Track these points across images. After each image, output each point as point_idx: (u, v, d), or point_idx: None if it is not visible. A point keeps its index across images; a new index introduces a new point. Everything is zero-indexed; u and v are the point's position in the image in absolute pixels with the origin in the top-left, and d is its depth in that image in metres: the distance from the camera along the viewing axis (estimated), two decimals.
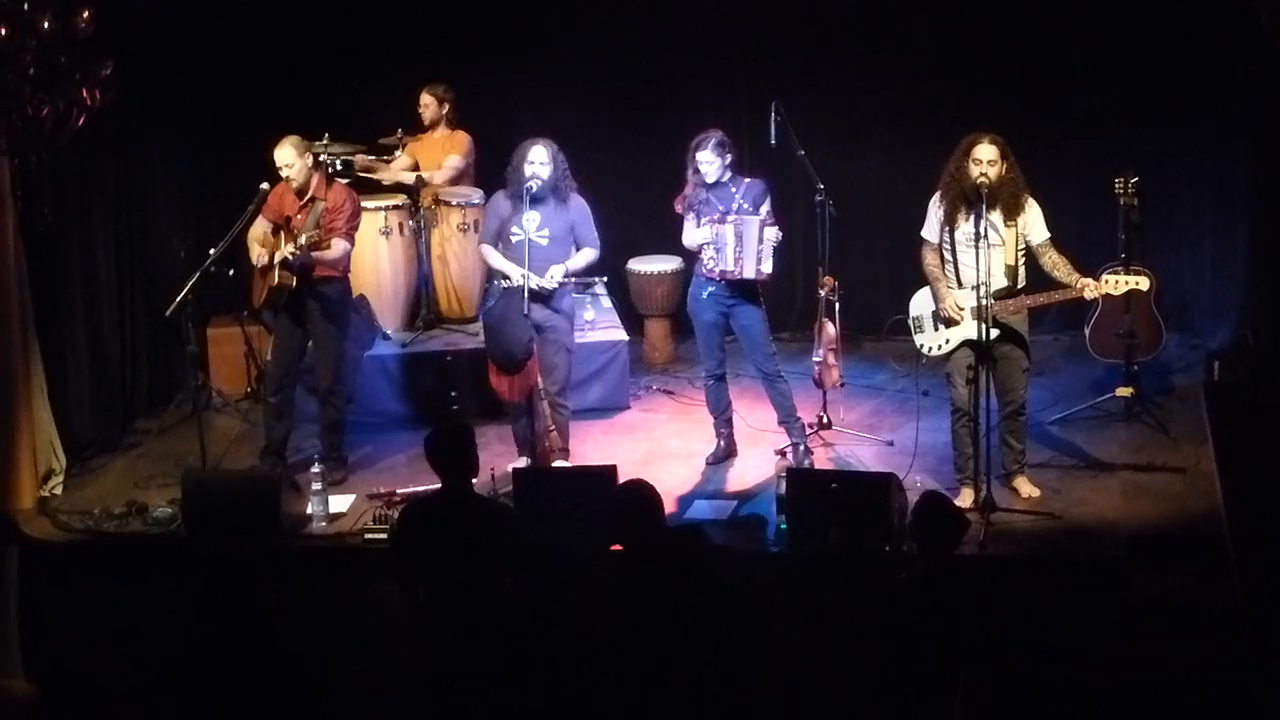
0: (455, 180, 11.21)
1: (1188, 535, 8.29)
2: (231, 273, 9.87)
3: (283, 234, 9.37)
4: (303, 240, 9.18)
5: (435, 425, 7.23)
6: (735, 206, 9.25)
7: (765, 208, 9.31)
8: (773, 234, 9.22)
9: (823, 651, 7.43)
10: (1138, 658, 7.45)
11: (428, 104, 11.24)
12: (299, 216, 9.38)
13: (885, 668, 6.36)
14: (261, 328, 9.84)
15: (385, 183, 11.28)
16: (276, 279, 9.32)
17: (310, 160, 9.46)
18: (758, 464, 9.64)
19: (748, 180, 9.42)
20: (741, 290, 9.35)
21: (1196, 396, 9.99)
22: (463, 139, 11.27)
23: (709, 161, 9.24)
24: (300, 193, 9.41)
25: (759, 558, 8.47)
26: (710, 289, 9.38)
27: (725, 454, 9.76)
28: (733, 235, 9.18)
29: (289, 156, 9.31)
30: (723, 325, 9.50)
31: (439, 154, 11.26)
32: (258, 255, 9.41)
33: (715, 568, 6.58)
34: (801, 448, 9.53)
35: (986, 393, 8.52)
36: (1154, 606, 7.75)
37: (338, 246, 9.36)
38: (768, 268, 9.24)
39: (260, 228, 9.49)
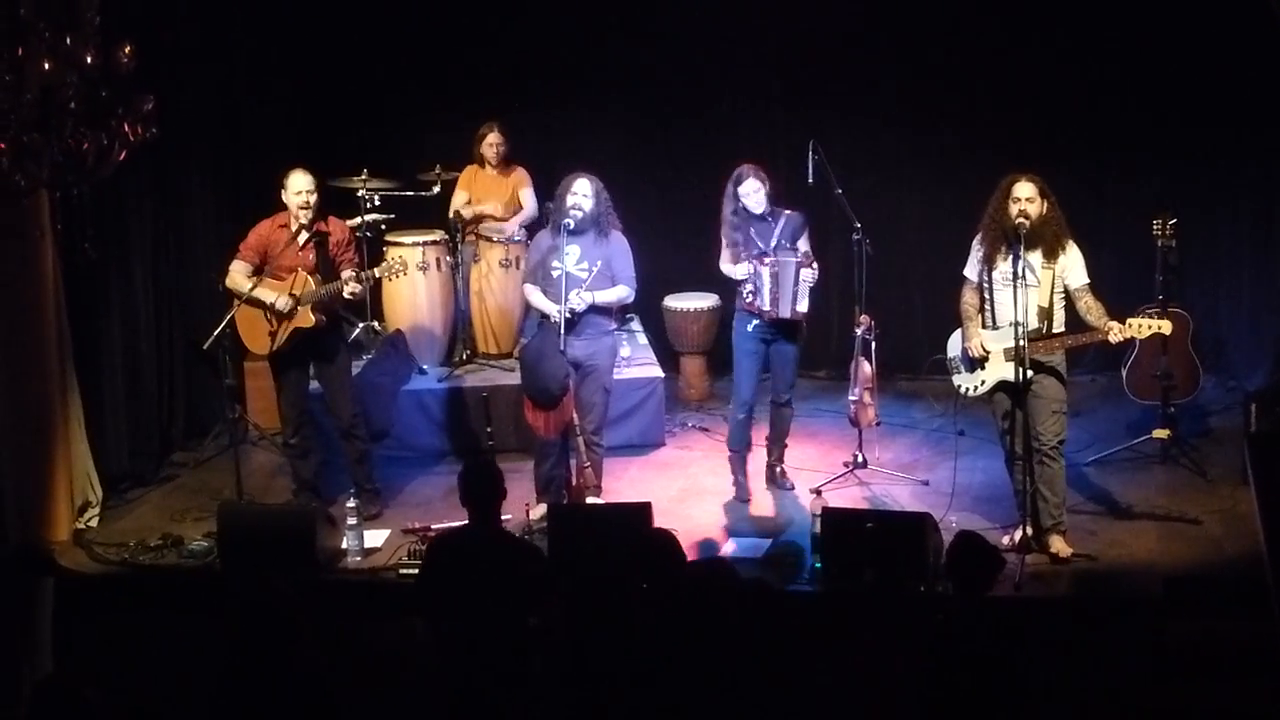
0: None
1: (1224, 578, 8.26)
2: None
3: (295, 274, 9.15)
4: (376, 271, 9.39)
5: (466, 461, 7.23)
6: (774, 243, 9.28)
7: (803, 242, 9.33)
8: (809, 274, 9.22)
9: (856, 691, 7.40)
10: (1173, 700, 7.41)
11: (497, 142, 11.20)
12: (304, 253, 9.21)
13: (920, 708, 6.32)
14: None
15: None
16: (311, 320, 9.18)
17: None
18: (792, 502, 9.61)
19: (787, 212, 9.44)
20: (785, 326, 9.39)
21: (1234, 439, 9.95)
22: (526, 173, 11.29)
23: (755, 190, 9.27)
24: (305, 226, 9.19)
25: (793, 596, 8.44)
26: (755, 321, 9.41)
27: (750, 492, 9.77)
28: (769, 276, 9.20)
29: (310, 184, 9.16)
30: (765, 357, 9.54)
31: (506, 189, 11.29)
32: (285, 302, 9.11)
33: (742, 605, 6.56)
34: (778, 470, 9.72)
35: (1024, 435, 8.48)
36: (1190, 649, 7.71)
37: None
38: (803, 307, 9.27)
39: (242, 270, 9.24)
